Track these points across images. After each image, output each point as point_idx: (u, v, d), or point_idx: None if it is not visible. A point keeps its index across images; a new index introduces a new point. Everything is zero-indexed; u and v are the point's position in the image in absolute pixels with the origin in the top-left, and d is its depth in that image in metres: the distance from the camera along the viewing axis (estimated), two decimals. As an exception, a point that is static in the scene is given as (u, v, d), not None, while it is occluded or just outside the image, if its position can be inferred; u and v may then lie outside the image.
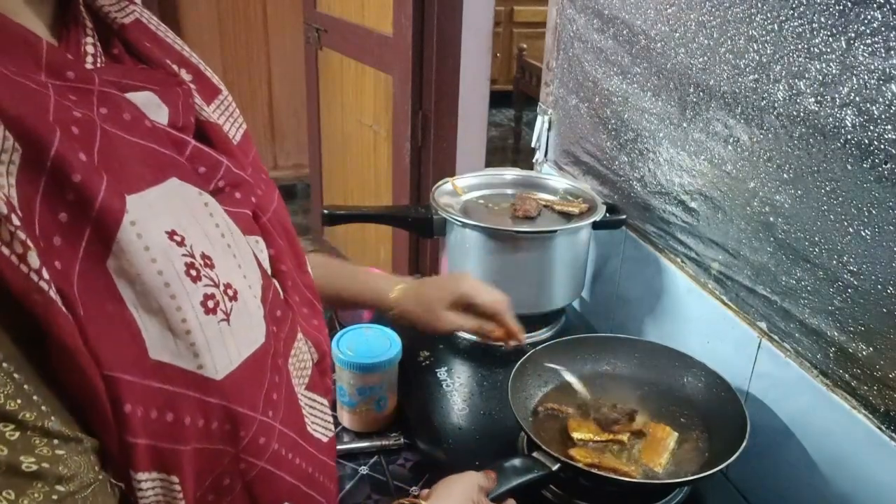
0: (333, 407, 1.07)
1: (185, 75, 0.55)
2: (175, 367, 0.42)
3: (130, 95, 0.46)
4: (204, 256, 0.45)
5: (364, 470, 0.98)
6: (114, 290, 0.40)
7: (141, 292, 0.41)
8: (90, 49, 0.47)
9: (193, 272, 0.43)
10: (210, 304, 0.44)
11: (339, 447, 1.01)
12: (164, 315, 0.41)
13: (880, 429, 0.76)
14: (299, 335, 0.57)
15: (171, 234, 0.43)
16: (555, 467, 0.77)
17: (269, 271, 0.55)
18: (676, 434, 0.88)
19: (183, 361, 0.42)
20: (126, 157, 0.43)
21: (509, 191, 1.26)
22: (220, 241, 0.47)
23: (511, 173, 1.30)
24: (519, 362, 0.93)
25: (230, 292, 0.46)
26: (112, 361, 0.39)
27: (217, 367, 0.44)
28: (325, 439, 0.59)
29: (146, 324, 0.41)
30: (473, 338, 1.15)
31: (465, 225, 1.09)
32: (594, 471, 0.78)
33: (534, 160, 1.54)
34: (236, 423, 0.45)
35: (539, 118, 1.50)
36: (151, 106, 0.48)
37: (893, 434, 0.75)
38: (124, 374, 0.40)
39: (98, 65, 0.48)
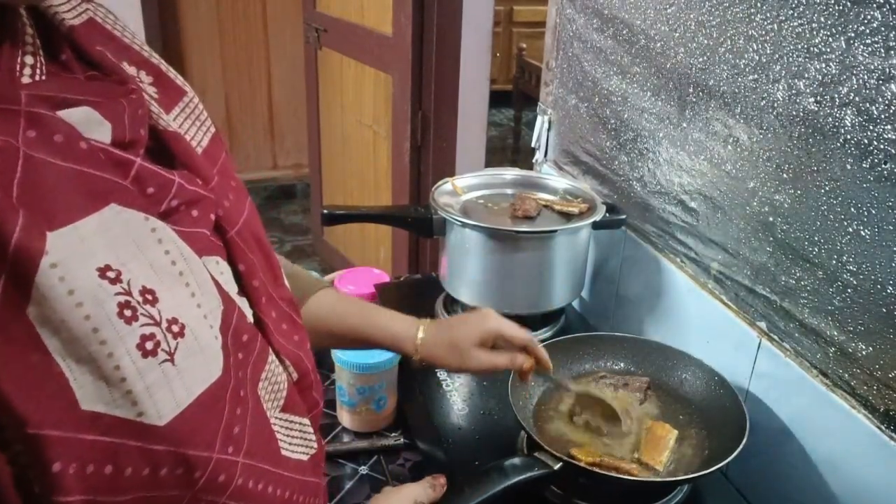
0: (332, 407, 1.07)
1: (146, 77, 0.51)
2: (112, 416, 0.39)
3: (66, 112, 0.42)
4: (145, 291, 0.41)
5: (364, 470, 0.98)
6: (37, 339, 0.36)
7: (67, 340, 0.37)
8: (28, 60, 0.43)
9: (128, 312, 0.40)
10: (149, 345, 0.40)
11: (339, 447, 1.01)
12: (95, 363, 0.38)
13: (880, 429, 0.76)
14: (271, 356, 0.53)
15: (104, 271, 0.39)
16: (556, 466, 0.77)
17: (237, 290, 0.52)
18: (676, 432, 0.88)
19: (120, 410, 0.39)
20: (54, 186, 0.38)
21: (509, 191, 1.26)
22: (170, 269, 0.44)
23: (511, 173, 1.30)
24: None
25: (175, 328, 0.42)
26: (38, 418, 0.36)
27: (160, 412, 0.40)
28: (305, 458, 0.56)
29: (75, 374, 0.38)
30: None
31: (464, 225, 1.09)
32: (595, 470, 0.79)
33: (533, 160, 1.54)
34: (189, 466, 0.42)
35: (539, 118, 1.50)
36: (91, 123, 0.43)
37: (893, 434, 0.75)
38: (52, 431, 0.36)
39: (37, 78, 0.43)
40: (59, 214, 0.38)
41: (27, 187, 0.37)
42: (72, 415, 0.38)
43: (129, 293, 0.40)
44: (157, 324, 0.41)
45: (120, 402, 0.39)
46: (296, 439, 0.55)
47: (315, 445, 0.58)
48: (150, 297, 0.41)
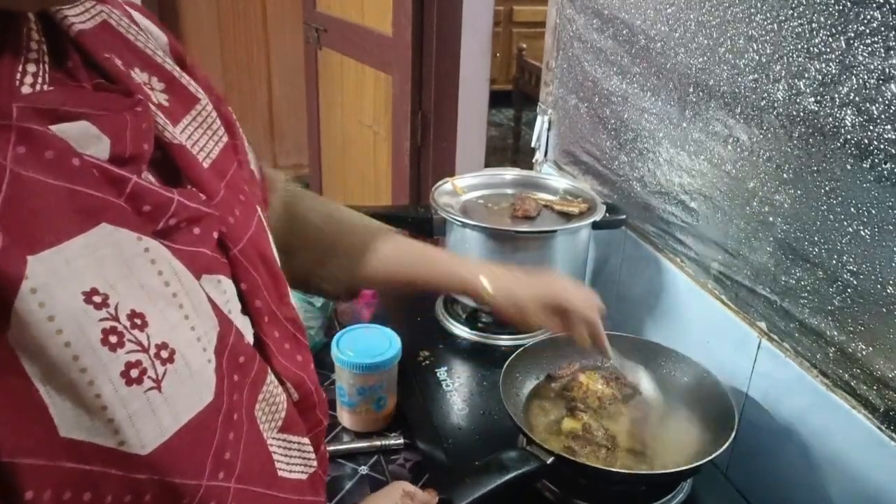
0: (332, 407, 1.07)
1: (157, 84, 0.50)
2: (91, 444, 0.37)
3: (63, 127, 0.40)
4: (133, 315, 0.40)
5: (364, 470, 0.98)
6: (16, 364, 0.35)
7: (47, 367, 0.36)
8: (31, 69, 0.41)
9: (113, 339, 0.38)
10: (133, 373, 0.39)
11: (339, 447, 1.01)
12: (75, 391, 0.37)
13: (880, 429, 0.76)
14: (270, 377, 0.52)
15: (90, 295, 0.38)
16: (549, 460, 0.77)
17: (239, 308, 0.51)
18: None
19: (100, 438, 0.38)
20: (41, 205, 0.37)
21: (509, 191, 1.26)
22: (163, 291, 0.42)
23: (511, 173, 1.30)
24: (510, 359, 0.93)
25: (164, 354, 0.41)
26: (11, 446, 0.35)
27: (143, 440, 0.39)
28: (304, 477, 0.55)
29: (55, 400, 0.36)
30: (473, 338, 1.16)
31: (464, 225, 1.09)
32: (588, 464, 0.79)
33: (533, 160, 1.54)
34: (176, 493, 0.41)
35: (539, 118, 1.50)
36: (89, 138, 0.41)
37: (893, 434, 0.75)
38: (26, 459, 0.35)
39: (38, 87, 0.41)
40: (45, 236, 0.37)
41: (12, 207, 0.36)
42: (50, 442, 0.36)
43: (115, 318, 0.39)
44: (145, 350, 0.40)
45: (100, 431, 0.38)
46: (294, 459, 0.54)
47: (314, 464, 0.57)
48: (138, 321, 0.40)
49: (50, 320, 0.36)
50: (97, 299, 0.38)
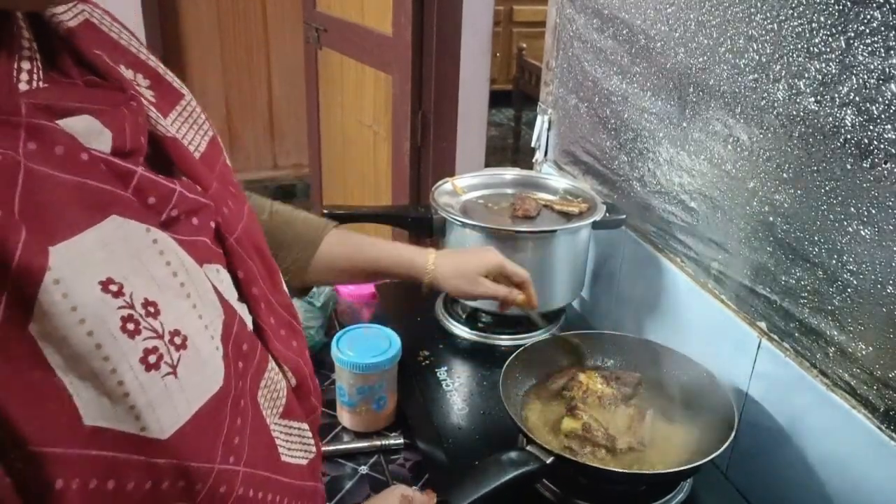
0: (332, 407, 1.07)
1: (142, 80, 0.51)
2: (114, 431, 0.38)
3: (68, 122, 0.40)
4: (147, 304, 0.41)
5: (364, 470, 0.98)
6: (39, 356, 0.36)
7: (70, 357, 0.37)
8: (25, 66, 0.42)
9: (131, 326, 0.39)
10: (152, 359, 0.40)
11: (339, 447, 1.01)
12: (98, 379, 0.38)
13: (880, 429, 0.76)
14: (271, 364, 0.53)
15: (107, 284, 0.39)
16: (548, 460, 0.77)
17: (237, 296, 0.52)
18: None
19: (123, 425, 0.39)
20: (55, 199, 0.38)
21: (509, 190, 1.26)
22: (171, 280, 0.43)
23: (511, 173, 1.30)
24: (510, 359, 0.93)
25: (177, 340, 0.42)
26: (39, 436, 0.35)
27: (163, 426, 0.40)
28: (304, 462, 0.56)
29: (78, 389, 0.37)
30: (473, 338, 1.16)
31: (464, 225, 1.09)
32: (587, 463, 0.80)
33: (533, 160, 1.54)
34: (190, 478, 0.42)
35: (539, 118, 1.50)
36: (92, 132, 0.42)
37: (893, 434, 0.75)
38: (55, 448, 0.36)
39: (34, 84, 0.42)
40: (60, 228, 0.37)
41: (28, 201, 0.36)
42: (75, 431, 0.37)
43: (131, 306, 0.39)
44: (160, 336, 0.41)
45: (123, 417, 0.39)
46: (295, 444, 0.55)
47: (314, 450, 0.58)
48: (152, 309, 0.41)
49: (73, 310, 0.36)
50: (113, 288, 0.39)
